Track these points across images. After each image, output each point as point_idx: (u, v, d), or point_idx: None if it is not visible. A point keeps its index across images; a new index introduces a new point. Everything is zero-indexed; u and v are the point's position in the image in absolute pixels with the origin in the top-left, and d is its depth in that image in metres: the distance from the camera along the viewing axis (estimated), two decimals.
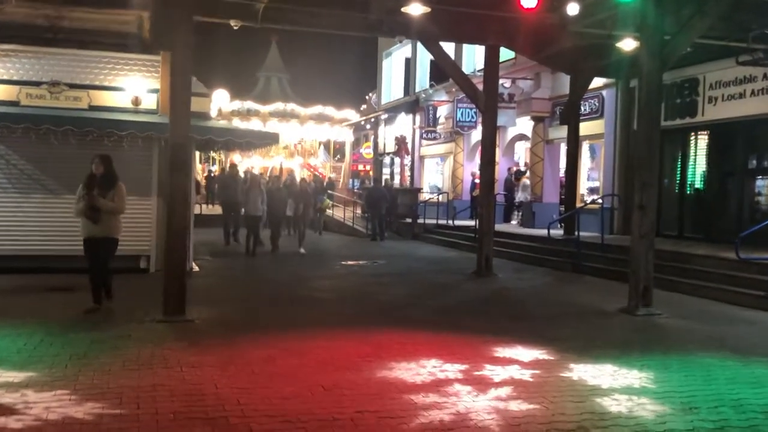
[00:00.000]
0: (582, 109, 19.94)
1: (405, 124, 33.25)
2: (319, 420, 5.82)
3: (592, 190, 21.77)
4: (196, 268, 15.13)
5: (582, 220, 17.28)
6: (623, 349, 8.65)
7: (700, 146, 17.85)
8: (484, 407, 6.24)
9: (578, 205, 19.53)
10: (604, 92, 20.28)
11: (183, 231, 10.30)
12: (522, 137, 25.36)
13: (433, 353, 8.12)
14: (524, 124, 24.03)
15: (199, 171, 38.01)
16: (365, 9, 13.94)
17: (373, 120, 37.04)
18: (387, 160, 36.67)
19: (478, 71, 23.75)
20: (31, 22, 14.43)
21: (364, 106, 42.61)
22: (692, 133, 17.96)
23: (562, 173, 22.22)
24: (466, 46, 26.82)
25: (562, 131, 20.44)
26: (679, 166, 18.26)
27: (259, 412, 5.98)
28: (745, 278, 12.37)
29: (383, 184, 27.72)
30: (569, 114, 19.29)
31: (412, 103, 31.94)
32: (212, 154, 38.32)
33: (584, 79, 18.63)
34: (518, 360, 7.95)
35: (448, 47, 18.88)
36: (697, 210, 17.68)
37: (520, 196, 23.34)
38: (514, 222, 24.60)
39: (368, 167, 41.55)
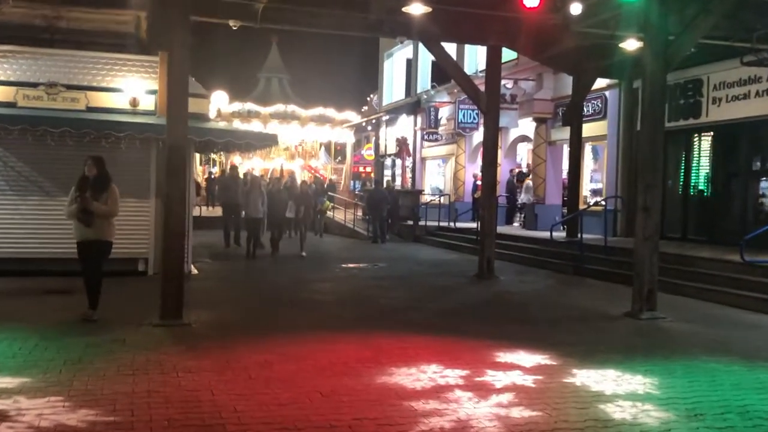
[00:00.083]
0: (585, 110, 19.82)
1: (406, 126, 33.15)
2: (317, 427, 5.70)
3: (595, 192, 21.67)
4: (195, 271, 15.02)
5: (585, 222, 17.15)
6: (627, 354, 8.53)
7: (703, 147, 17.71)
8: (485, 414, 6.12)
9: (581, 207, 19.40)
10: (607, 93, 20.16)
11: (180, 233, 10.19)
12: (524, 138, 25.24)
13: (433, 358, 8.00)
14: (526, 126, 23.92)
15: (200, 173, 37.93)
16: (365, 9, 13.84)
17: (374, 121, 36.94)
18: (388, 161, 36.58)
19: (480, 72, 23.65)
20: (29, 23, 14.38)
21: (365, 108, 42.53)
22: (696, 135, 17.83)
23: (564, 175, 22.09)
24: (467, 47, 26.70)
25: (565, 132, 20.32)
26: (682, 167, 18.13)
27: (256, 419, 5.86)
28: (749, 281, 12.24)
29: (385, 186, 27.63)
30: (572, 115, 19.18)
31: (414, 105, 31.84)
32: (212, 155, 38.20)
33: (587, 80, 18.51)
34: (520, 365, 7.82)
35: (450, 48, 18.75)
36: (700, 212, 17.55)
37: (523, 198, 23.22)
38: (516, 224, 24.50)
39: (369, 169, 41.47)
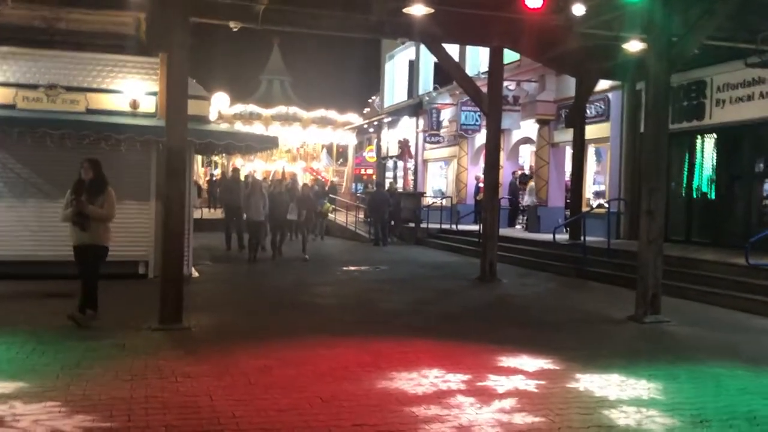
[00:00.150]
0: (588, 112, 19.73)
1: (408, 128, 33.06)
2: None
3: (598, 194, 21.58)
4: (195, 274, 14.94)
5: (588, 224, 17.06)
6: (631, 359, 8.43)
7: (707, 149, 17.62)
8: (487, 420, 6.03)
9: (584, 209, 19.32)
10: (610, 95, 20.07)
11: (180, 236, 10.11)
12: (527, 140, 25.15)
13: (435, 362, 7.91)
14: (529, 127, 23.82)
15: (201, 175, 37.88)
16: (366, 10, 13.74)
17: (376, 123, 36.84)
18: (390, 163, 36.49)
19: (482, 73, 23.63)
20: (28, 24, 14.27)
21: (367, 110, 42.46)
22: (699, 137, 17.73)
23: (567, 177, 22.00)
24: (469, 48, 26.61)
25: (568, 134, 20.24)
26: (686, 169, 18.03)
27: (255, 425, 5.78)
28: (754, 284, 12.14)
29: (387, 188, 27.53)
30: (575, 117, 19.08)
31: (416, 107, 31.77)
32: (214, 157, 38.17)
33: (590, 82, 18.42)
34: (523, 370, 7.73)
35: (452, 49, 18.67)
36: (704, 214, 17.44)
37: (527, 200, 23.13)
38: (518, 226, 24.41)
39: (371, 171, 41.39)
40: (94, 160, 9.62)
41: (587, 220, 17.35)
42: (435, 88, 30.59)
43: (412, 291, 14.14)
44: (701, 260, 13.99)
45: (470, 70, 25.27)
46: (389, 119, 34.81)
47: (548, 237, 17.90)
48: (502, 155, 23.25)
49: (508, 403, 6.52)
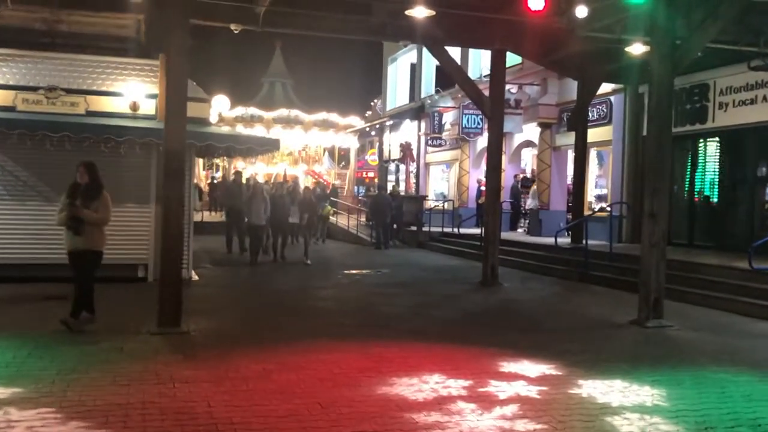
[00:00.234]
0: (590, 115, 19.65)
1: (410, 131, 33.01)
2: None
3: (600, 198, 21.49)
4: (195, 277, 14.87)
5: (590, 228, 16.97)
6: (634, 364, 8.34)
7: (710, 153, 17.55)
8: (488, 427, 5.95)
9: (586, 213, 19.24)
10: (612, 98, 19.99)
11: (178, 238, 10.01)
12: (529, 144, 25.09)
13: (436, 367, 7.82)
14: (531, 131, 23.75)
15: (202, 178, 37.84)
16: (368, 12, 13.70)
17: (378, 126, 36.79)
18: (392, 167, 36.43)
19: (484, 77, 23.55)
20: (29, 26, 14.25)
21: (369, 113, 42.43)
22: (702, 140, 17.67)
23: (569, 180, 21.92)
24: (471, 51, 26.58)
25: (570, 138, 20.15)
26: (688, 173, 17.96)
27: None
28: (758, 289, 12.04)
29: (390, 192, 27.44)
30: (577, 120, 19.00)
31: (418, 110, 31.71)
32: (216, 160, 38.15)
33: (592, 85, 18.34)
34: (524, 375, 7.64)
35: (454, 52, 18.60)
36: (707, 218, 17.37)
37: (530, 204, 23.06)
38: (520, 230, 24.32)
39: (373, 174, 41.34)
40: (90, 163, 9.49)
41: (589, 224, 17.26)
42: (437, 91, 30.53)
43: (414, 295, 14.05)
44: (704, 264, 13.89)
45: (472, 73, 25.21)
46: (391, 122, 34.76)
47: (550, 241, 17.82)
48: (504, 158, 23.12)
49: (510, 409, 6.44)
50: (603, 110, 20.30)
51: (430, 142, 30.54)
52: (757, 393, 7.21)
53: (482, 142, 25.18)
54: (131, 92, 14.16)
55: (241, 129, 32.90)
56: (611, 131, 20.04)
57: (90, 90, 14.05)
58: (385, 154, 36.56)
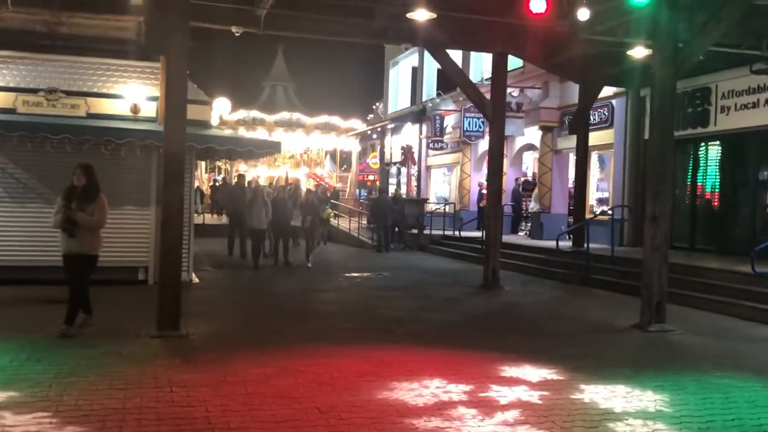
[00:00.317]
0: (591, 118, 19.61)
1: (412, 134, 32.98)
2: None
3: (602, 201, 21.43)
4: (196, 280, 14.82)
5: (591, 231, 16.92)
6: (636, 369, 8.27)
7: (711, 156, 17.50)
8: None
9: (587, 216, 19.18)
10: (614, 101, 19.95)
11: (178, 241, 9.95)
12: (530, 147, 25.04)
13: (437, 372, 7.76)
14: (532, 134, 23.71)
15: (204, 180, 37.82)
16: (369, 15, 13.66)
17: (379, 129, 36.77)
18: (393, 170, 36.41)
19: (486, 80, 23.49)
20: (29, 28, 14.21)
21: (370, 116, 42.40)
22: (704, 144, 17.61)
23: (570, 184, 21.87)
24: (473, 54, 26.56)
25: (571, 141, 20.10)
26: (690, 176, 17.91)
27: None
28: (760, 293, 11.97)
29: (392, 195, 27.38)
30: (578, 123, 18.95)
31: (419, 113, 31.69)
32: (218, 163, 38.14)
33: (594, 88, 18.30)
34: (526, 380, 7.58)
35: (455, 55, 18.58)
36: (709, 222, 17.31)
37: (533, 207, 23.00)
38: (521, 233, 24.26)
39: (374, 177, 41.30)
40: (87, 165, 9.39)
41: (591, 227, 17.22)
42: (438, 95, 30.51)
43: (414, 298, 13.98)
44: (706, 268, 13.83)
45: (474, 77, 25.22)
46: (393, 125, 34.75)
47: (551, 244, 17.74)
48: (506, 162, 23.13)
49: (511, 415, 6.37)
50: (604, 113, 20.25)
51: (431, 145, 30.49)
52: (761, 399, 7.14)
53: (483, 145, 25.15)
54: (132, 94, 14.11)
55: (243, 132, 32.91)
56: (613, 134, 20.00)
57: (90, 92, 14.01)
58: (387, 157, 36.55)
